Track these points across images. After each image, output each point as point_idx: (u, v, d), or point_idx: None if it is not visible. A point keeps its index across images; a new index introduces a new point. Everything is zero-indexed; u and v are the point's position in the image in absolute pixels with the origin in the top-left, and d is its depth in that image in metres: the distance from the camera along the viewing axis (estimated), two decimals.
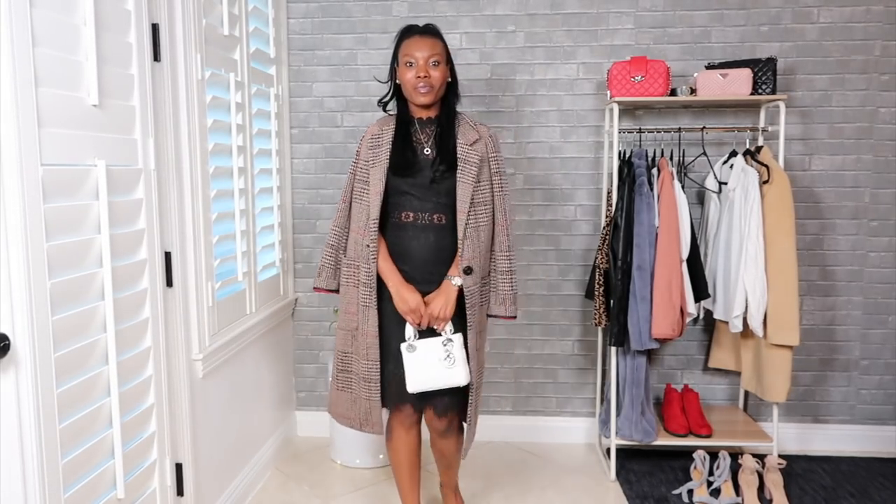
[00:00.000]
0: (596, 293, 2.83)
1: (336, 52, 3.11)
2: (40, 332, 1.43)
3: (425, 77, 2.02)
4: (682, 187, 2.73)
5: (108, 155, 1.69)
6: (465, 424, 2.21)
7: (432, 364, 2.03)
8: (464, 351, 2.04)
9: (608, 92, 2.77)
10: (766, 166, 2.71)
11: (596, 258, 2.87)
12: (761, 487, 2.69)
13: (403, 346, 2.05)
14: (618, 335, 2.70)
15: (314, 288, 2.24)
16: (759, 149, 2.81)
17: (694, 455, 2.76)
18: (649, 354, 2.87)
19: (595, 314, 2.84)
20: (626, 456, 3.00)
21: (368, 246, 2.06)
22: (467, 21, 3.05)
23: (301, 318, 3.26)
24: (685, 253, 2.69)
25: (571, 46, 3.03)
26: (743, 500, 2.59)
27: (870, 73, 2.95)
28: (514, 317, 2.19)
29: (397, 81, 2.12)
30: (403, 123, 2.12)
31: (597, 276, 2.83)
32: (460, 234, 2.05)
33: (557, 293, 3.14)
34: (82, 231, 1.59)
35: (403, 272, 2.08)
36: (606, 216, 2.88)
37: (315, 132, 3.17)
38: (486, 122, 3.08)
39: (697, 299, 2.74)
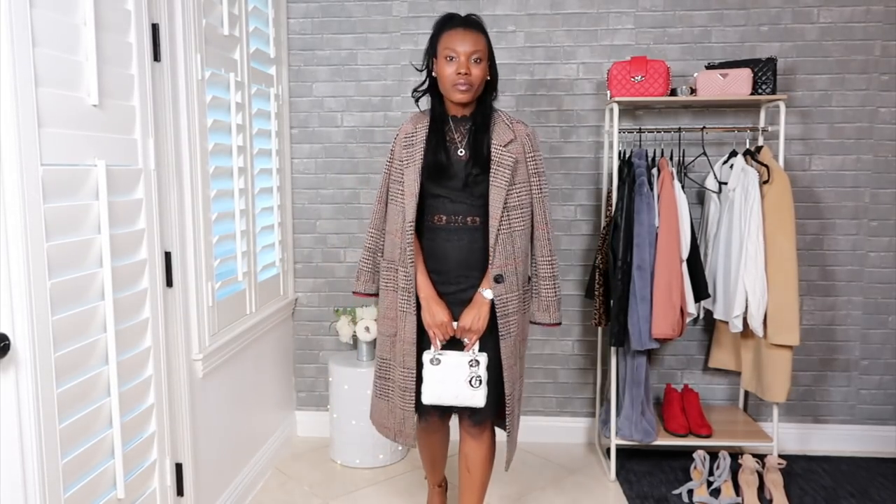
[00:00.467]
0: (596, 293, 2.83)
1: (336, 52, 3.11)
2: (40, 332, 1.43)
3: (466, 74, 1.89)
4: (682, 187, 2.73)
5: (108, 155, 1.69)
6: (504, 433, 2.12)
7: (455, 381, 1.96)
8: (486, 373, 1.98)
9: (608, 92, 2.77)
10: (766, 166, 2.71)
11: (596, 258, 2.88)
12: (761, 487, 2.69)
13: (426, 357, 1.98)
14: (618, 335, 2.70)
15: (354, 292, 2.19)
16: (759, 149, 2.81)
17: (694, 455, 2.76)
18: (649, 354, 2.87)
19: (595, 314, 2.85)
20: (626, 456, 3.00)
21: (406, 250, 1.99)
22: None
23: (301, 318, 3.26)
24: (685, 253, 2.69)
25: (571, 46, 3.04)
26: (743, 500, 2.59)
27: (870, 73, 2.95)
28: (559, 324, 2.11)
29: (433, 74, 1.99)
30: (438, 121, 2.01)
31: (597, 276, 2.83)
32: (491, 241, 1.95)
33: None
34: (82, 231, 1.59)
35: (437, 274, 2.02)
36: (606, 216, 2.88)
37: (315, 132, 3.17)
38: None
39: (697, 299, 2.74)
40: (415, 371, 2.01)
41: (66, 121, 1.53)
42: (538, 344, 3.17)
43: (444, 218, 2.00)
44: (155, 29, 1.92)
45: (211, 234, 2.26)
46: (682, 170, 2.88)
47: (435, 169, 1.96)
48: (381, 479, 2.84)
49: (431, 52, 1.99)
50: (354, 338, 3.04)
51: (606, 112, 2.98)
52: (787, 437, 3.09)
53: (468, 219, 1.99)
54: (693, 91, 2.76)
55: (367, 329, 2.95)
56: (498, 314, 1.99)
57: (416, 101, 2.08)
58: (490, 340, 2.01)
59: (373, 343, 3.01)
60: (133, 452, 1.80)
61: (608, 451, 2.85)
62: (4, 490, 1.41)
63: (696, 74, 2.74)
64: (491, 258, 1.96)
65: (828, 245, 3.04)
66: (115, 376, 1.69)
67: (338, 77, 3.13)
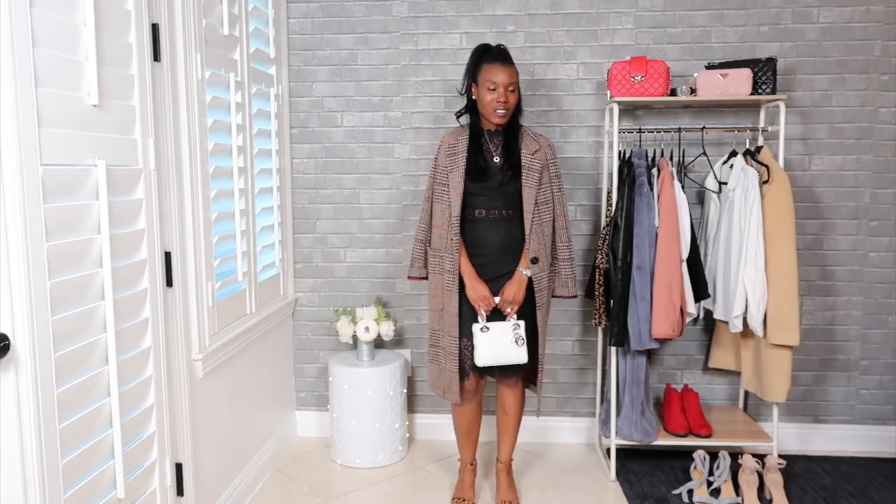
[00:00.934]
0: (596, 293, 2.83)
1: (336, 52, 3.11)
2: (40, 332, 1.43)
3: (504, 102, 2.35)
4: (682, 187, 2.73)
5: (108, 155, 1.69)
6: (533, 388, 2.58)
7: (502, 343, 2.37)
8: (525, 335, 2.40)
9: (608, 92, 2.76)
10: (766, 166, 2.71)
11: (596, 258, 2.88)
12: (761, 487, 2.69)
13: (476, 327, 2.39)
14: (618, 335, 2.70)
15: (409, 277, 2.58)
16: (759, 149, 2.81)
17: (694, 455, 2.76)
18: (649, 354, 2.87)
19: (595, 314, 2.85)
20: (626, 456, 3.00)
21: (452, 239, 2.41)
22: (467, 21, 3.05)
23: (301, 318, 3.26)
24: (685, 253, 2.69)
25: (571, 46, 3.04)
26: (743, 500, 2.59)
27: (870, 73, 2.95)
28: (576, 296, 2.57)
29: (473, 97, 2.44)
30: (475, 134, 2.45)
31: (597, 276, 2.83)
32: (527, 230, 2.41)
33: None
34: (82, 231, 1.59)
35: (479, 256, 2.43)
36: (606, 216, 2.88)
37: (315, 132, 3.17)
38: None
39: (697, 299, 2.74)
40: (457, 339, 2.41)
41: (66, 121, 1.53)
42: None
43: (485, 211, 2.43)
44: (155, 29, 1.92)
45: (211, 234, 2.26)
46: (682, 170, 2.88)
47: (477, 172, 2.41)
48: (381, 479, 2.84)
49: (471, 79, 2.43)
50: (354, 338, 3.04)
51: (606, 112, 2.98)
52: (787, 437, 3.09)
53: (503, 211, 2.43)
54: (693, 91, 2.76)
55: (367, 329, 2.95)
56: (535, 288, 2.43)
57: (458, 117, 2.55)
58: (526, 310, 2.44)
59: (373, 343, 3.01)
60: (133, 452, 1.80)
61: (608, 451, 2.85)
62: (4, 490, 1.41)
63: (696, 74, 2.74)
64: (527, 244, 2.42)
65: (828, 245, 3.04)
66: (115, 376, 1.69)
67: (338, 77, 3.13)
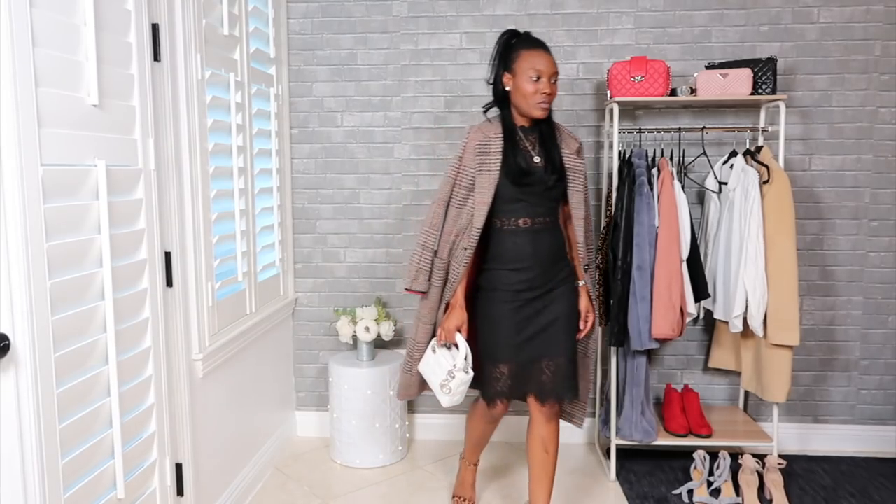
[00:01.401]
0: (596, 293, 2.83)
1: (336, 52, 3.11)
2: (40, 332, 1.43)
3: (549, 94, 2.09)
4: (682, 187, 2.73)
5: (108, 155, 1.69)
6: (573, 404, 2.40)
7: (435, 374, 2.20)
8: (464, 388, 2.17)
9: (608, 92, 2.77)
10: (766, 166, 2.71)
11: (596, 258, 2.88)
12: (761, 487, 2.69)
13: (431, 345, 2.23)
14: (618, 335, 2.70)
15: (407, 289, 2.27)
16: (759, 149, 2.81)
17: (694, 455, 2.76)
18: (649, 354, 2.87)
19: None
20: (626, 456, 3.00)
21: (466, 249, 2.15)
22: (467, 21, 3.05)
23: (301, 318, 3.26)
24: (685, 253, 2.69)
25: (571, 46, 3.04)
26: (743, 500, 2.59)
27: (870, 73, 2.95)
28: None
29: (506, 88, 2.15)
30: (510, 131, 2.16)
31: (597, 276, 2.83)
32: (580, 239, 2.21)
33: None
34: (82, 231, 1.59)
35: (525, 270, 2.17)
36: (606, 216, 2.88)
37: (315, 132, 3.17)
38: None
39: (697, 299, 2.74)
40: (425, 345, 2.27)
41: (66, 121, 1.53)
42: None
43: (529, 220, 2.16)
44: (155, 29, 1.92)
45: (211, 234, 2.26)
46: (682, 170, 2.88)
47: (520, 176, 2.11)
48: (381, 479, 2.84)
49: (504, 67, 2.15)
50: (354, 338, 3.04)
51: (606, 112, 2.98)
52: (787, 437, 3.09)
53: (547, 219, 2.19)
54: (693, 91, 2.76)
55: (367, 329, 2.95)
56: (592, 296, 2.29)
57: (485, 111, 2.26)
58: (570, 327, 2.24)
59: (373, 343, 3.01)
60: (133, 452, 1.80)
61: (608, 451, 2.85)
62: (4, 490, 1.41)
63: (696, 74, 2.74)
64: (581, 253, 2.24)
65: (828, 245, 3.04)
66: (115, 376, 1.69)
67: (338, 77, 3.13)
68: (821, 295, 3.06)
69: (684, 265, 2.69)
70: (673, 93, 2.78)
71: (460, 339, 2.18)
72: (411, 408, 3.24)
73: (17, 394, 1.40)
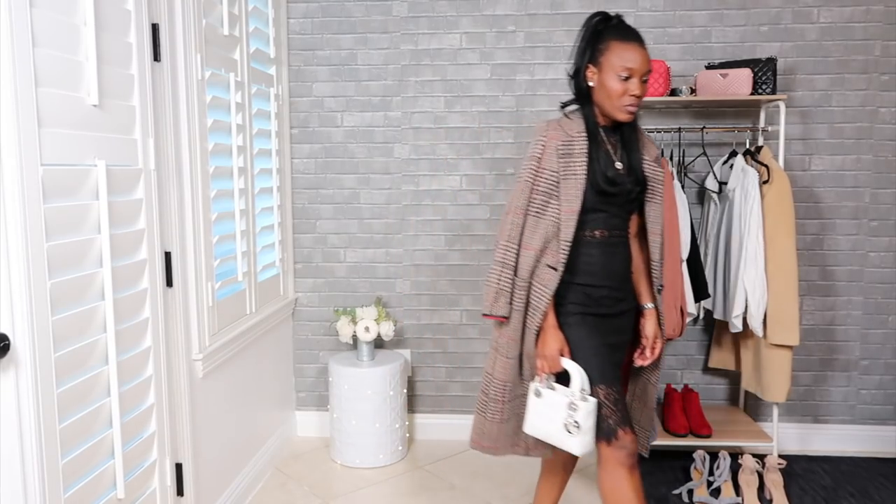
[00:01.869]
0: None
1: (336, 52, 3.11)
2: (40, 332, 1.43)
3: (639, 97, 1.82)
4: (682, 187, 2.73)
5: (108, 155, 1.69)
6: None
7: (553, 420, 1.83)
8: (592, 418, 1.80)
9: None
10: (765, 166, 2.71)
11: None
12: (761, 487, 2.69)
13: (531, 387, 1.89)
14: None
15: (484, 315, 1.94)
16: (759, 149, 2.81)
17: (694, 455, 2.76)
18: None
19: None
20: None
21: (555, 269, 1.86)
22: (467, 21, 3.05)
23: (301, 318, 3.26)
24: (685, 253, 2.69)
25: (571, 46, 3.03)
26: (743, 500, 2.59)
27: (870, 73, 2.95)
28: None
29: (589, 83, 1.88)
30: (593, 132, 1.90)
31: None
32: (655, 256, 1.97)
33: None
34: (82, 231, 1.59)
35: (601, 288, 1.91)
36: None
37: (315, 132, 3.17)
38: (486, 122, 3.09)
39: (697, 299, 2.74)
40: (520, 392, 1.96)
41: (66, 121, 1.53)
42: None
43: (607, 232, 1.91)
44: (155, 29, 1.92)
45: (211, 234, 2.26)
46: (682, 170, 2.88)
47: (608, 184, 1.85)
48: (381, 479, 2.84)
49: (590, 58, 1.87)
50: (354, 338, 3.04)
51: None
52: (787, 437, 3.09)
53: (621, 232, 1.94)
54: (693, 91, 2.76)
55: (367, 329, 2.95)
56: (663, 321, 2.04)
57: (563, 108, 1.98)
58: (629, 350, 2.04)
59: (373, 343, 3.01)
60: (133, 452, 1.80)
61: None
62: (4, 490, 1.41)
63: (696, 74, 2.74)
64: (656, 271, 1.98)
65: (828, 245, 3.04)
66: (115, 376, 1.69)
67: (338, 77, 3.13)
68: (821, 295, 3.06)
69: (684, 265, 2.69)
70: (673, 93, 2.78)
71: (568, 363, 1.85)
72: (411, 408, 3.24)
73: (17, 394, 1.40)
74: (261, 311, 2.77)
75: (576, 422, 1.78)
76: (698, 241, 2.84)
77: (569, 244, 1.85)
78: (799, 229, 2.96)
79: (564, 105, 1.98)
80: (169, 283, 2.02)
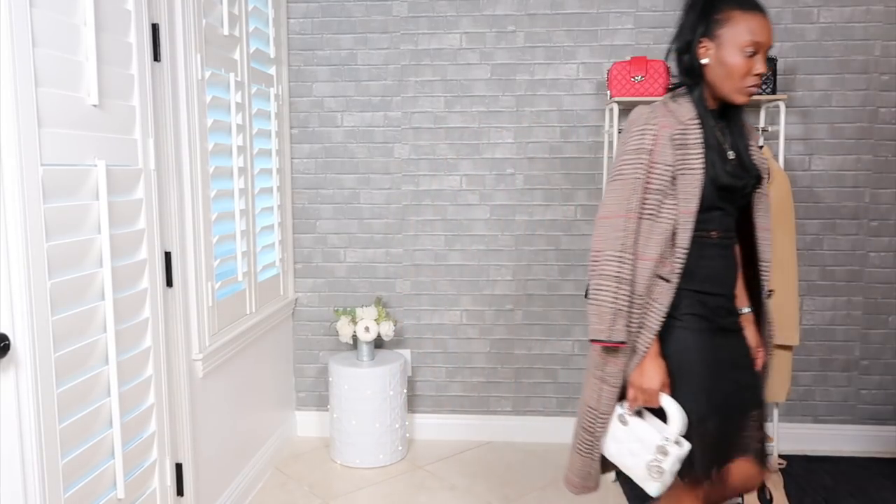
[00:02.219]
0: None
1: (336, 52, 3.11)
2: (40, 332, 1.43)
3: (762, 76, 1.60)
4: None
5: (108, 155, 1.69)
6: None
7: (636, 454, 1.62)
8: (679, 464, 1.58)
9: (608, 92, 2.77)
10: None
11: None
12: (761, 487, 2.69)
13: (616, 411, 1.66)
14: None
15: (596, 341, 1.61)
16: (759, 148, 2.80)
17: None
18: None
19: None
20: None
21: (668, 280, 1.60)
22: (467, 21, 3.05)
23: (301, 318, 3.26)
24: None
25: (571, 46, 3.04)
26: (743, 500, 2.58)
27: (870, 73, 2.95)
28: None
29: (703, 61, 1.62)
30: (704, 117, 1.64)
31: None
32: (767, 255, 1.73)
33: (557, 293, 3.14)
34: (82, 231, 1.59)
35: (717, 297, 1.66)
36: None
37: (315, 132, 3.17)
38: (487, 122, 3.09)
39: None
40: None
41: (66, 121, 1.53)
42: (538, 344, 3.17)
43: (721, 233, 1.67)
44: (155, 29, 1.92)
45: (211, 234, 2.26)
46: None
47: (733, 177, 1.62)
48: (381, 479, 2.84)
49: (704, 31, 1.60)
50: (354, 338, 3.04)
51: (606, 112, 2.98)
52: (787, 437, 3.09)
53: (733, 233, 1.71)
54: None
55: (367, 329, 2.95)
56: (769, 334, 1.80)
57: (672, 90, 1.71)
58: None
59: (373, 343, 3.01)
60: (133, 452, 1.80)
61: None
62: (4, 490, 1.41)
63: None
64: (766, 273, 1.75)
65: (828, 245, 3.04)
66: (115, 376, 1.69)
67: (338, 77, 3.13)
68: (821, 295, 3.06)
69: None
70: None
71: (668, 402, 1.59)
72: (411, 408, 3.24)
73: (17, 394, 1.40)
74: (261, 311, 2.77)
75: (662, 468, 1.56)
76: None
77: (686, 251, 1.59)
78: (799, 229, 2.96)
79: (673, 88, 1.72)
80: (169, 283, 2.02)
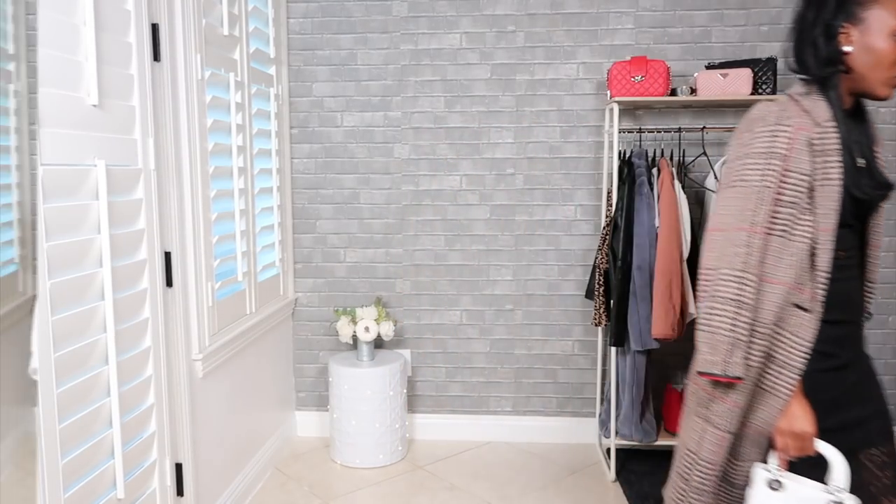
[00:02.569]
0: (596, 293, 2.83)
1: (336, 52, 3.11)
2: (40, 331, 1.43)
3: None
4: (683, 187, 2.73)
5: (108, 155, 1.69)
6: None
7: None
8: None
9: (608, 92, 2.77)
10: None
11: (596, 258, 2.88)
12: None
13: (762, 476, 1.37)
14: (618, 335, 2.70)
15: (705, 374, 1.36)
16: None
17: None
18: (649, 354, 2.87)
19: (595, 314, 2.85)
20: (627, 456, 3.00)
21: (808, 310, 1.36)
22: (467, 21, 3.05)
23: (301, 318, 3.26)
24: (686, 253, 2.69)
25: (571, 46, 3.04)
26: None
27: None
28: None
29: (845, 48, 1.40)
30: (839, 118, 1.39)
31: (597, 276, 2.83)
32: (874, 276, 1.54)
33: (557, 293, 3.14)
34: (82, 231, 1.59)
35: (846, 325, 1.44)
36: (606, 216, 2.88)
37: (315, 132, 3.17)
38: (487, 122, 3.09)
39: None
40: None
41: (66, 121, 1.53)
42: (538, 344, 3.17)
43: (846, 251, 1.44)
44: (155, 29, 1.92)
45: (211, 234, 2.26)
46: (683, 170, 2.88)
47: (877, 188, 1.40)
48: (381, 479, 2.84)
49: (848, 16, 1.40)
50: (354, 338, 3.04)
51: (606, 112, 2.98)
52: None
53: (856, 251, 1.47)
54: (693, 91, 2.76)
55: (367, 329, 2.95)
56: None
57: (825, 80, 1.45)
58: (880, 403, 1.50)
59: (373, 343, 3.01)
60: (133, 452, 1.79)
61: (608, 451, 2.84)
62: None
63: (696, 74, 2.74)
64: (871, 295, 1.57)
65: None
66: (115, 376, 1.69)
67: (338, 77, 3.13)
68: None
69: (685, 265, 2.70)
70: (673, 93, 2.78)
71: (826, 448, 1.35)
72: (411, 408, 3.24)
73: None
74: (261, 311, 2.77)
75: None
76: (699, 241, 2.84)
77: (828, 275, 1.36)
78: None
79: (822, 77, 1.45)
80: (169, 283, 2.02)
